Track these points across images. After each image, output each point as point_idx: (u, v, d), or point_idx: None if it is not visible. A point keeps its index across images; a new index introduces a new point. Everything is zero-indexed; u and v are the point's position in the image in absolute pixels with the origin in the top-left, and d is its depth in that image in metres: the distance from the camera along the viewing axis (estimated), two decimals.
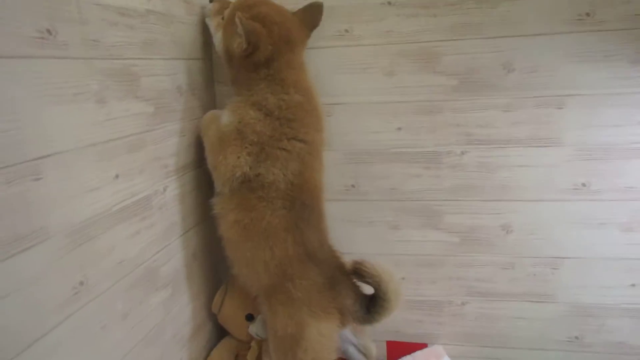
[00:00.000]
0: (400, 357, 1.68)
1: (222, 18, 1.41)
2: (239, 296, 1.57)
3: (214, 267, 1.68)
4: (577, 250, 1.56)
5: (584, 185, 1.52)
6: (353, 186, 1.64)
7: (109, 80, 1.10)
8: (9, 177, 0.84)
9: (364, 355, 1.60)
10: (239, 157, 1.34)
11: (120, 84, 1.14)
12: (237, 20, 1.27)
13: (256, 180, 1.34)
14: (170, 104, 1.37)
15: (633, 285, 1.55)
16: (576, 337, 1.62)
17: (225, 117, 1.38)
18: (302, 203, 1.35)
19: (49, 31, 0.93)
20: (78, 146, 1.00)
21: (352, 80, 1.57)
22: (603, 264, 1.56)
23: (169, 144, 1.37)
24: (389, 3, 1.50)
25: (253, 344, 1.58)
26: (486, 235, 1.60)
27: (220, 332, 1.68)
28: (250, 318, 1.56)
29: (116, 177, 1.13)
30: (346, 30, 1.54)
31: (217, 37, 1.42)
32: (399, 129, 1.57)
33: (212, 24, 1.45)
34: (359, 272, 1.35)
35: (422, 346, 1.70)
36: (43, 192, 0.91)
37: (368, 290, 1.38)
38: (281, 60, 1.34)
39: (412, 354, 1.68)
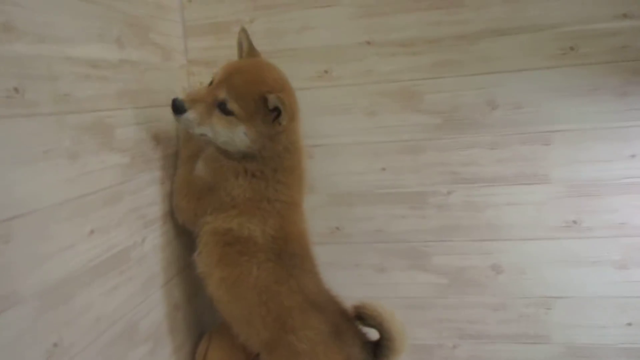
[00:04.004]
0: None
1: (226, 112, 1.24)
2: (224, 345, 1.49)
3: (198, 316, 1.61)
4: (570, 289, 1.52)
5: (574, 222, 1.48)
6: (337, 229, 1.61)
7: (82, 135, 1.07)
8: None
9: None
10: (205, 211, 1.32)
11: (94, 136, 1.11)
12: (274, 99, 1.20)
13: (229, 234, 1.30)
14: (147, 153, 1.34)
15: (629, 324, 1.50)
16: None
17: (201, 167, 1.35)
18: (290, 253, 1.31)
19: (16, 90, 0.90)
20: (50, 204, 0.97)
21: (333, 121, 1.54)
22: (597, 303, 1.51)
23: (147, 194, 1.33)
24: (368, 43, 1.48)
25: None
26: (476, 276, 1.56)
27: None
28: None
29: (91, 233, 1.09)
30: (325, 71, 1.52)
31: (239, 133, 1.25)
32: (383, 169, 1.55)
33: (214, 126, 1.25)
34: (361, 315, 1.30)
35: None
36: (13, 255, 0.87)
37: (373, 336, 1.33)
38: (296, 125, 1.31)
39: None
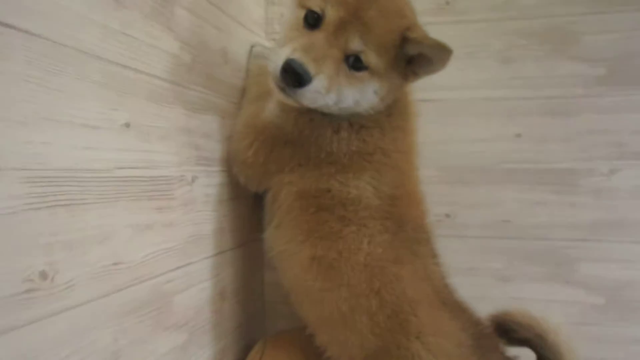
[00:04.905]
0: None
1: (357, 67, 0.84)
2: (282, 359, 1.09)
3: (249, 315, 1.19)
4: None
5: None
6: (447, 216, 1.20)
7: None
8: None
9: None
10: (281, 168, 0.95)
11: None
12: (425, 46, 0.86)
13: (325, 197, 0.92)
14: (210, 65, 0.98)
15: None
16: None
17: (277, 113, 0.96)
18: (415, 224, 0.95)
19: None
20: (71, 45, 0.63)
21: (451, 69, 1.14)
22: None
23: (204, 119, 0.96)
24: None
25: None
26: None
27: None
28: None
29: (126, 126, 0.74)
30: (447, 3, 1.18)
31: (368, 93, 0.88)
32: (518, 135, 1.16)
33: (342, 90, 0.85)
34: (507, 325, 0.94)
35: None
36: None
37: None
38: None
39: None
